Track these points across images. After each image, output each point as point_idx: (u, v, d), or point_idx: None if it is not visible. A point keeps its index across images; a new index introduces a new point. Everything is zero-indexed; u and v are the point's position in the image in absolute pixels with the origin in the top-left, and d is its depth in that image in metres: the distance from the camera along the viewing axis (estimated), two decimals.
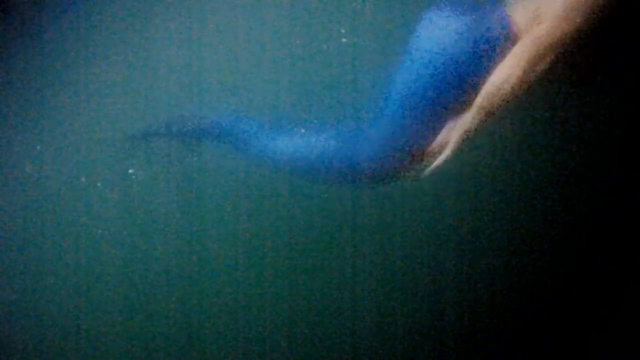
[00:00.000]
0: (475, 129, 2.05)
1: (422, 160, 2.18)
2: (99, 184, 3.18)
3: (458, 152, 2.04)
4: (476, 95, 2.09)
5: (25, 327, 3.17)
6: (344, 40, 2.68)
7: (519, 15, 2.14)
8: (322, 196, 2.84)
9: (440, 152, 2.12)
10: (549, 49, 2.00)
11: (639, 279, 2.45)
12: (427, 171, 2.12)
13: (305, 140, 2.46)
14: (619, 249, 2.47)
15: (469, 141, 2.04)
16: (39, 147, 3.23)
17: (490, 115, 2.04)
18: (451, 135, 2.12)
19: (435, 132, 2.19)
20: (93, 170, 3.20)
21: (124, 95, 3.18)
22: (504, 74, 2.03)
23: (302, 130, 2.49)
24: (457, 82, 2.18)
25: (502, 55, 2.08)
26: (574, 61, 2.06)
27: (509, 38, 2.11)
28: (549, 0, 2.09)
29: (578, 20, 1.99)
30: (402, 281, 2.73)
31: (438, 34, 2.22)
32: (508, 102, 2.02)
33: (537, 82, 2.00)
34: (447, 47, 2.19)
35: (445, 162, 2.06)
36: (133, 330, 3.07)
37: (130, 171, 3.10)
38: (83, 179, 3.18)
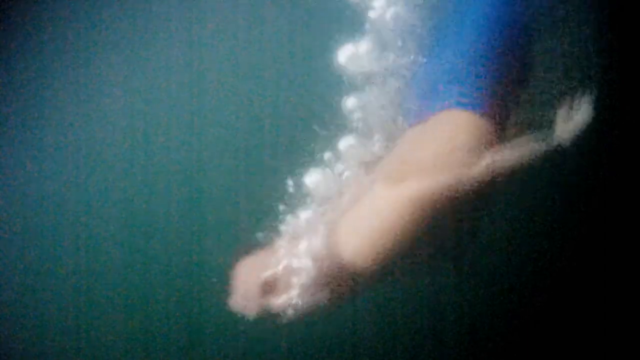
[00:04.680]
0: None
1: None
2: (99, 184, 3.18)
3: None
4: None
5: (25, 327, 3.17)
6: None
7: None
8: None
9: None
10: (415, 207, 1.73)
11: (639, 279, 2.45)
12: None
13: None
14: (619, 251, 2.47)
15: None
16: (38, 147, 3.23)
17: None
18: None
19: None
20: (93, 170, 3.20)
21: (123, 95, 3.18)
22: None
23: None
24: None
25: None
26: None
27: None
28: (414, 154, 1.85)
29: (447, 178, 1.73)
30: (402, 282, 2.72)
31: None
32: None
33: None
34: None
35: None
36: (133, 330, 3.07)
37: None
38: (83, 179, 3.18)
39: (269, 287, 1.72)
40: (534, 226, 2.54)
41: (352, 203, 1.84)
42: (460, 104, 1.90)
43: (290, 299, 1.70)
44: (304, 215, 1.85)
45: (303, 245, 1.74)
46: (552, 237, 2.54)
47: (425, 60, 2.08)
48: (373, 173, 1.92)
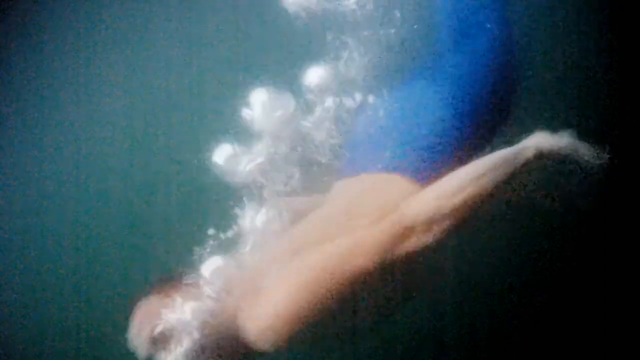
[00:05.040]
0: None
1: None
2: (99, 184, 3.18)
3: None
4: None
5: (25, 327, 3.17)
6: None
7: None
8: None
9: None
10: None
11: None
12: None
13: None
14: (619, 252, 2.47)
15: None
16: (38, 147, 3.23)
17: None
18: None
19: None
20: (93, 170, 3.20)
21: (123, 95, 3.18)
22: None
23: None
24: None
25: None
26: None
27: None
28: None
29: None
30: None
31: None
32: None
33: None
34: None
35: None
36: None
37: None
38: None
39: (158, 338, 1.60)
40: (534, 226, 2.54)
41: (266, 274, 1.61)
42: (402, 170, 1.65)
43: (176, 356, 1.57)
44: (209, 272, 1.71)
45: (196, 306, 1.60)
46: (552, 237, 2.54)
47: (379, 107, 1.78)
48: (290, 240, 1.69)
